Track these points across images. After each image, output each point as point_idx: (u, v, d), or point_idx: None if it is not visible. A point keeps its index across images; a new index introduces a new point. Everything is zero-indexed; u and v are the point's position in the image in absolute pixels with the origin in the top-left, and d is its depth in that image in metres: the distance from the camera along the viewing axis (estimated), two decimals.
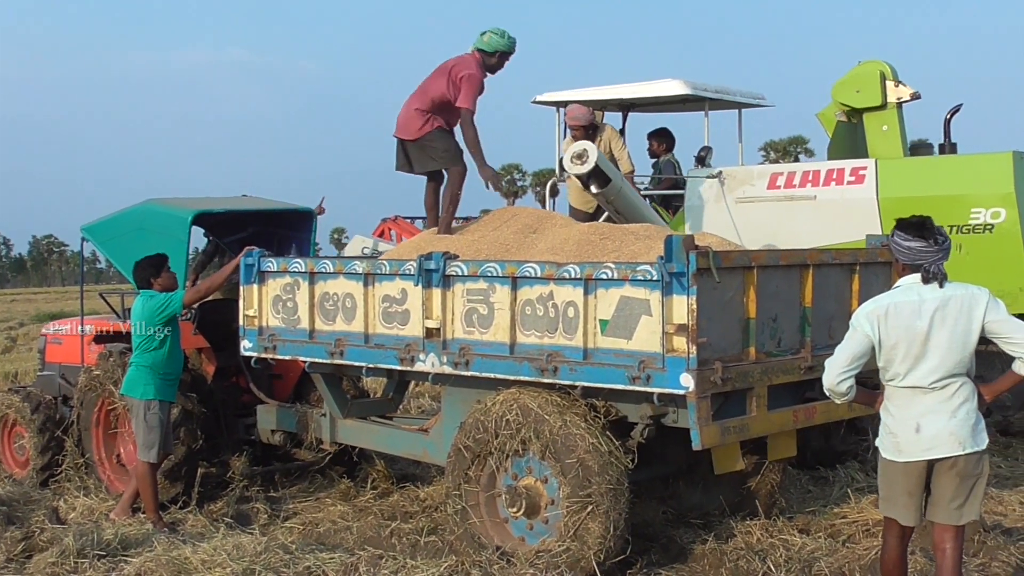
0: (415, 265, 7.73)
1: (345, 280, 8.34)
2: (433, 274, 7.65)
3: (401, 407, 10.41)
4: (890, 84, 10.78)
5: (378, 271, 8.13)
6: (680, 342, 6.51)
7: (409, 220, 15.12)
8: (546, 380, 7.13)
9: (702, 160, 11.61)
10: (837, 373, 5.56)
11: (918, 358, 5.48)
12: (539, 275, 7.17)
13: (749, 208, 10.59)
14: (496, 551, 7.15)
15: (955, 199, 10.15)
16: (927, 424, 5.49)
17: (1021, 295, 9.93)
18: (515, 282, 7.28)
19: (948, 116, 11.04)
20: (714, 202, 10.83)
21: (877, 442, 5.72)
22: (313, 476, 10.45)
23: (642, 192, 11.64)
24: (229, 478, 9.98)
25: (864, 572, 7.02)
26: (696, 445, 6.61)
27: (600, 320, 6.92)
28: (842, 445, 9.70)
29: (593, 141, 11.27)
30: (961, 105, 11.09)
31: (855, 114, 11.10)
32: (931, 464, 5.52)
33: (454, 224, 9.60)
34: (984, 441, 5.59)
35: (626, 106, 12.45)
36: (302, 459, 10.61)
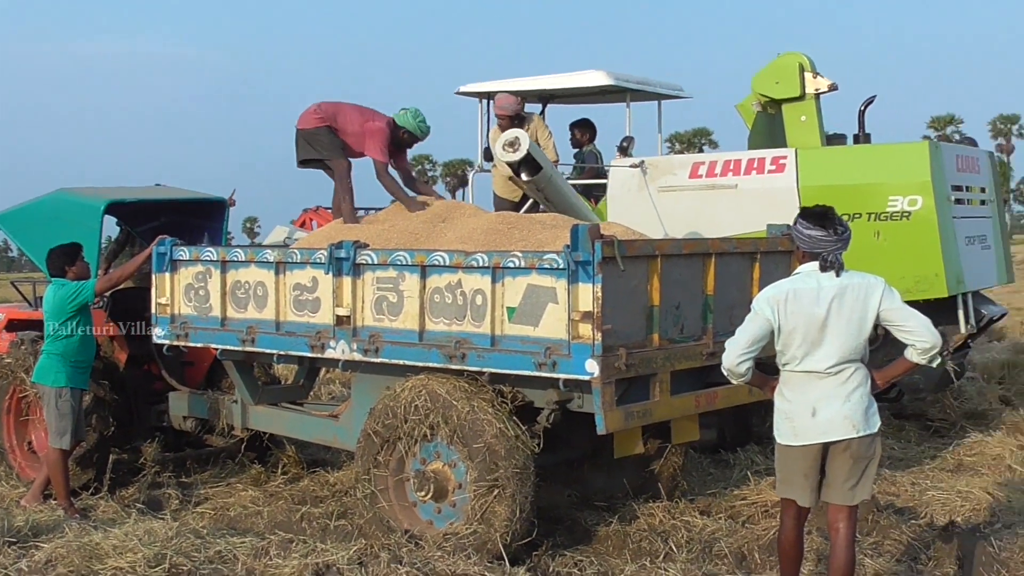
0: (326, 254, 7.72)
1: (257, 268, 8.30)
2: (343, 263, 7.64)
3: (312, 393, 10.37)
4: (808, 76, 10.81)
5: (289, 260, 8.10)
6: (585, 329, 6.57)
7: (331, 210, 15.09)
8: (454, 367, 7.16)
9: (624, 150, 11.61)
10: (736, 355, 5.63)
11: (815, 343, 5.56)
12: (448, 264, 7.19)
13: (672, 197, 10.60)
14: (405, 534, 7.16)
15: (873, 187, 10.26)
16: (823, 408, 5.57)
17: (936, 280, 10.06)
18: (424, 270, 7.30)
19: (862, 107, 11.16)
20: (637, 191, 10.85)
21: (775, 426, 5.79)
22: (224, 462, 10.37)
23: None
24: (141, 464, 9.88)
25: (762, 551, 7.11)
26: (601, 429, 6.67)
27: (507, 308, 6.96)
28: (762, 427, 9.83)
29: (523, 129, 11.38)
30: (875, 97, 11.22)
31: (773, 105, 11.14)
32: (826, 447, 5.61)
33: (370, 214, 9.65)
34: (876, 424, 5.68)
35: (545, 97, 12.41)
36: (213, 445, 10.54)
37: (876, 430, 5.68)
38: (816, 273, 5.64)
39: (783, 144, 10.97)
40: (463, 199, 12.41)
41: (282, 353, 8.36)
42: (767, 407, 6.04)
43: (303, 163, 9.74)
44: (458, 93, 12.26)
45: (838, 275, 5.62)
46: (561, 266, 6.65)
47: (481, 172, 12.27)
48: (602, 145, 12.51)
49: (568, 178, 11.79)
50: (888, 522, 7.61)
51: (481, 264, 7.02)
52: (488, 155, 11.87)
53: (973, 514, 7.97)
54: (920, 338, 5.55)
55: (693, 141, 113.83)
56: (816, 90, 10.81)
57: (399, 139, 9.68)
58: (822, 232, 5.63)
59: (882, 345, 10.21)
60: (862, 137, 11.04)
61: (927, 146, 10.29)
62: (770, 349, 5.78)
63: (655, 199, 10.46)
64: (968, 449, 9.92)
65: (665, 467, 8.47)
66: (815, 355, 5.58)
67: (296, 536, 7.36)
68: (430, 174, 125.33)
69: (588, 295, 6.56)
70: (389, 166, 9.51)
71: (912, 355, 5.62)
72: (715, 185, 10.46)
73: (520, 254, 6.94)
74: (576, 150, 12.48)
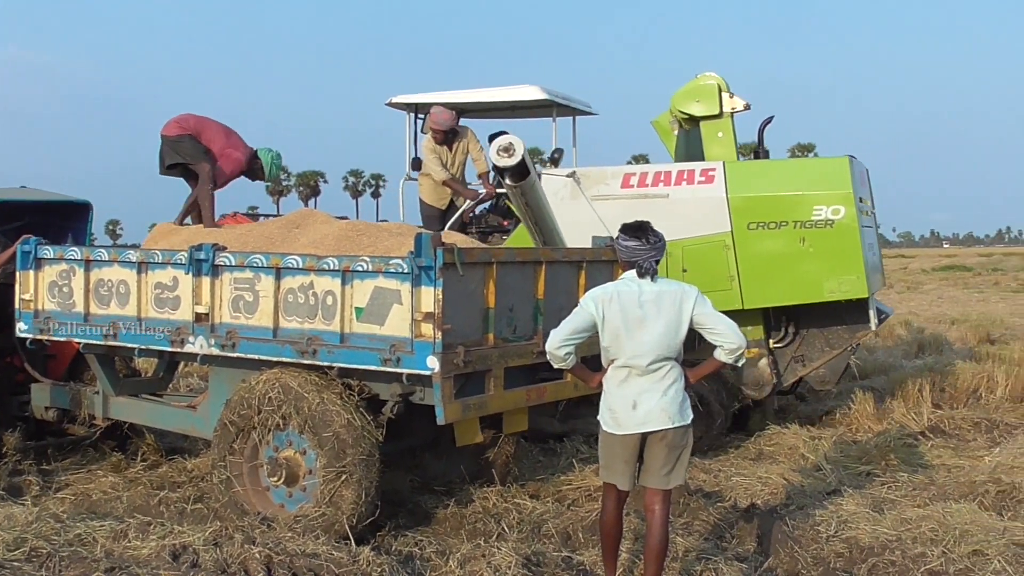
0: (186, 255, 7.64)
1: (120, 268, 8.16)
2: (203, 264, 7.58)
3: (171, 386, 10.22)
4: (725, 96, 10.86)
5: (151, 260, 7.98)
6: (427, 328, 6.64)
7: (249, 216, 14.72)
8: (306, 361, 7.16)
9: (556, 161, 11.57)
10: (559, 340, 5.72)
11: (636, 342, 5.68)
12: (301, 266, 7.19)
13: (604, 205, 10.47)
14: (258, 517, 7.12)
15: (799, 198, 10.28)
16: (642, 401, 5.69)
17: (858, 282, 10.22)
18: (279, 272, 7.28)
19: (762, 126, 11.31)
20: (570, 200, 10.70)
21: (599, 417, 5.90)
22: (85, 450, 10.11)
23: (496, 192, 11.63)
24: (2, 453, 9.58)
25: (586, 531, 7.23)
26: (440, 420, 6.75)
27: (356, 308, 6.98)
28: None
29: (452, 144, 11.27)
30: (773, 117, 11.36)
31: (690, 122, 11.15)
32: (645, 436, 5.73)
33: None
34: (689, 416, 5.82)
35: (459, 110, 11.99)
36: (75, 434, 10.27)
37: (689, 422, 5.82)
38: (637, 279, 5.78)
39: (699, 158, 11.04)
40: (315, 207, 12.17)
41: (143, 347, 8.21)
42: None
43: (169, 169, 9.59)
44: (389, 104, 11.95)
45: (653, 280, 5.76)
46: (406, 270, 6.71)
47: (409, 180, 11.97)
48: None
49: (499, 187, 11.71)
50: (697, 504, 7.82)
51: (332, 267, 7.04)
52: (416, 164, 11.71)
53: (771, 497, 8.24)
54: (728, 340, 5.71)
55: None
56: (732, 109, 10.88)
57: (253, 170, 9.69)
58: (638, 242, 5.76)
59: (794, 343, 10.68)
60: (762, 153, 11.19)
61: (847, 161, 10.41)
62: (596, 348, 5.91)
63: (587, 208, 10.35)
64: (768, 440, 10.21)
65: (499, 455, 8.58)
66: (636, 353, 5.69)
67: (154, 519, 7.23)
68: (284, 183, 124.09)
69: (430, 297, 6.63)
70: (214, 190, 9.49)
71: (721, 355, 5.77)
72: (647, 195, 10.38)
73: (368, 259, 6.98)
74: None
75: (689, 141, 11.38)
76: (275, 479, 7.29)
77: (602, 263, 8.26)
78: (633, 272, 5.81)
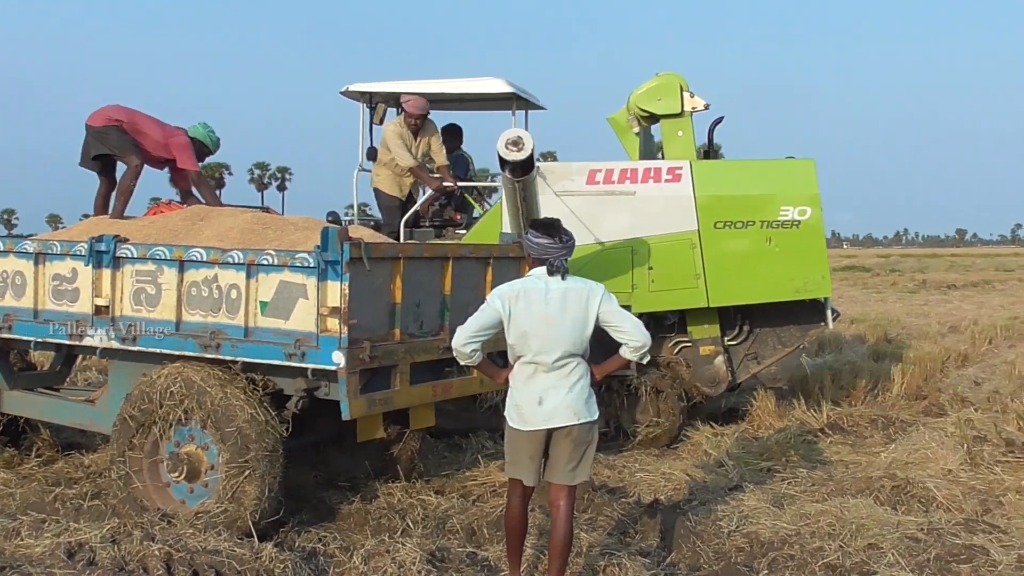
0: (86, 247, 7.51)
1: (15, 259, 8.00)
2: (104, 255, 7.46)
3: (68, 379, 10.01)
4: (686, 95, 10.85)
5: (49, 251, 7.84)
6: (333, 323, 6.61)
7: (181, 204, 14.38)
8: (209, 355, 7.08)
9: None
10: (465, 337, 5.72)
11: (542, 339, 5.69)
12: (205, 259, 7.11)
13: (570, 201, 10.37)
14: (158, 513, 7.03)
15: (766, 198, 10.40)
16: (548, 398, 5.71)
17: (823, 282, 10.41)
18: (182, 265, 7.19)
19: (712, 127, 11.33)
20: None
21: (505, 413, 5.90)
22: None
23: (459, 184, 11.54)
24: None
25: (490, 527, 7.25)
26: (346, 415, 6.73)
27: (261, 302, 6.93)
28: None
29: (418, 134, 11.09)
30: (723, 117, 11.40)
31: (649, 120, 11.15)
32: (550, 432, 5.75)
33: None
34: (595, 413, 5.85)
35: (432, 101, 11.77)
36: None
37: (595, 418, 5.85)
38: (545, 276, 5.79)
39: (653, 156, 11.13)
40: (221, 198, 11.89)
41: (40, 340, 8.07)
42: None
43: (94, 159, 9.40)
44: (343, 93, 11.66)
45: (563, 279, 5.78)
46: (312, 265, 6.68)
47: (362, 171, 11.71)
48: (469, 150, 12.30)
49: (461, 181, 11.58)
50: (602, 500, 7.89)
51: (237, 261, 6.98)
52: (372, 155, 11.53)
53: (674, 493, 8.34)
54: (633, 338, 5.77)
55: None
56: (693, 108, 10.88)
57: (199, 151, 9.58)
58: (549, 240, 5.80)
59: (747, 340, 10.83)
60: (712, 153, 11.25)
61: (814, 163, 10.54)
62: (502, 344, 5.94)
63: (552, 203, 10.17)
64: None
65: (404, 450, 8.57)
66: (542, 350, 5.71)
67: (49, 516, 7.12)
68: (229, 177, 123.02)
69: (336, 292, 6.60)
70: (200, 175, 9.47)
71: (626, 352, 5.83)
72: (613, 191, 10.36)
73: (274, 252, 6.93)
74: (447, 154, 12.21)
75: (647, 139, 11.46)
76: (176, 475, 7.19)
77: (509, 260, 8.30)
78: (542, 269, 5.83)
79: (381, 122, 11.58)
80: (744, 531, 7.23)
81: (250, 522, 6.80)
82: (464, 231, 11.17)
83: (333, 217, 11.92)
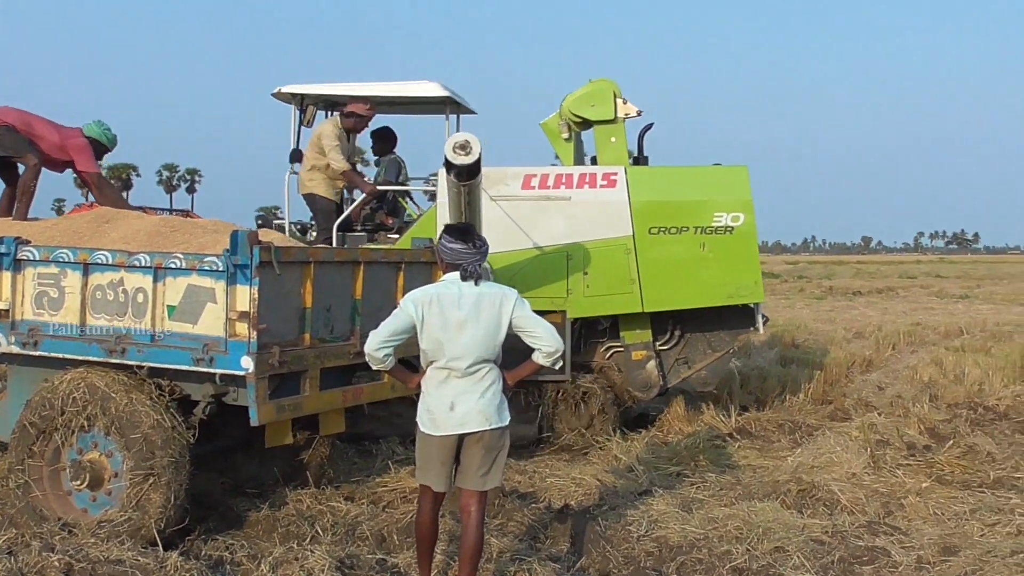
0: None
1: None
2: (3, 257, 7.29)
3: None
4: (619, 101, 10.88)
5: None
6: (242, 328, 6.55)
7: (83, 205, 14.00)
8: (114, 360, 6.95)
9: None
10: (377, 342, 5.70)
11: (455, 344, 5.69)
12: (110, 262, 6.99)
13: (506, 205, 10.35)
14: (58, 523, 6.89)
15: (700, 204, 10.51)
16: (460, 403, 5.71)
17: (756, 287, 10.57)
18: (87, 268, 7.06)
19: (641, 133, 11.35)
20: None
21: (417, 418, 5.89)
22: None
23: (390, 188, 11.46)
24: None
25: (400, 533, 7.22)
26: (254, 421, 6.66)
27: (168, 306, 6.83)
28: None
29: (350, 137, 11.02)
30: (652, 124, 11.41)
31: (581, 126, 11.17)
32: (462, 438, 5.75)
33: None
34: (507, 418, 5.87)
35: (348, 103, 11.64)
36: None
37: (506, 424, 5.87)
38: (458, 282, 5.79)
39: (581, 161, 11.12)
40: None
41: None
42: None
43: None
44: (275, 95, 11.43)
45: (477, 284, 5.79)
46: (221, 268, 6.60)
47: (295, 174, 11.44)
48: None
49: (381, 184, 11.44)
50: (512, 506, 7.90)
51: (143, 264, 6.87)
52: (296, 157, 11.33)
53: (585, 498, 8.38)
54: (546, 343, 5.76)
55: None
56: (626, 115, 10.92)
57: (97, 149, 9.42)
58: (463, 245, 5.79)
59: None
60: (641, 159, 11.22)
61: (746, 170, 10.66)
62: (414, 349, 5.92)
63: (488, 207, 10.07)
64: (584, 441, 10.39)
65: (313, 456, 8.51)
66: (455, 355, 5.71)
67: None
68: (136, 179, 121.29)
69: (245, 296, 6.54)
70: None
71: (539, 358, 5.82)
72: (549, 196, 10.35)
73: (182, 256, 6.83)
74: (377, 157, 12.06)
75: (578, 145, 11.46)
76: (78, 483, 7.04)
77: (421, 264, 8.28)
78: (455, 274, 5.83)
79: (310, 125, 11.43)
80: (653, 535, 7.30)
81: (155, 531, 6.69)
82: (396, 235, 11.11)
83: (263, 220, 11.79)
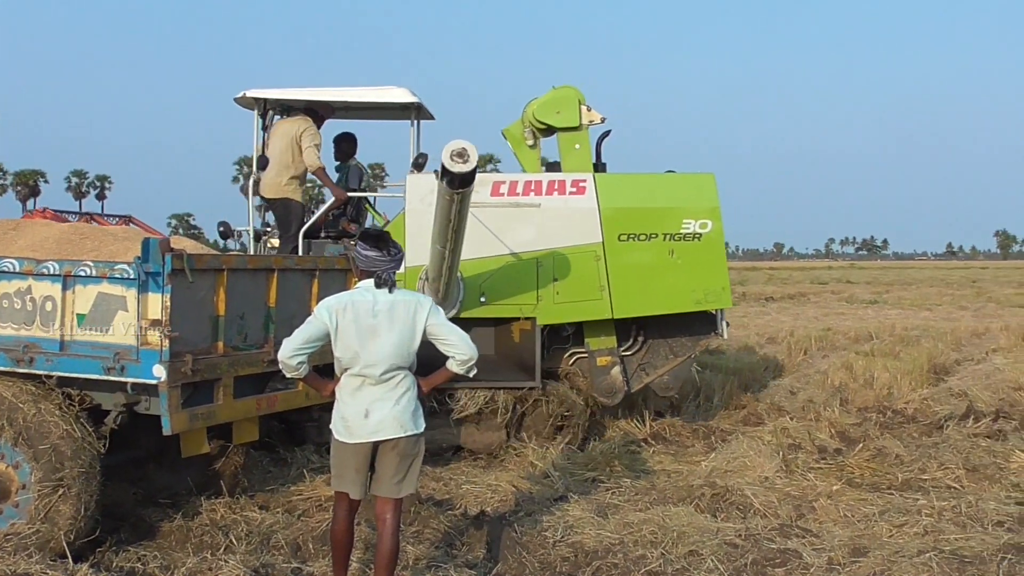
0: None
1: None
2: None
3: None
4: (584, 108, 10.89)
5: None
6: (154, 336, 6.49)
7: (59, 212, 13.62)
8: (22, 370, 6.83)
9: (420, 166, 11.11)
10: (291, 349, 5.69)
11: (369, 352, 5.71)
12: (17, 270, 6.87)
13: (475, 212, 10.03)
14: None
15: (669, 211, 10.55)
16: (375, 410, 5.72)
17: (724, 293, 10.62)
18: None
19: (599, 140, 11.32)
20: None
21: (331, 426, 5.89)
22: None
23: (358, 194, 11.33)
24: None
25: (316, 542, 7.20)
26: (167, 430, 6.59)
27: (78, 314, 6.74)
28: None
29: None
30: (610, 131, 11.39)
31: (544, 133, 11.15)
32: (376, 445, 5.76)
33: None
34: (422, 425, 5.89)
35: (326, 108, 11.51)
36: None
37: (421, 430, 5.89)
38: (372, 289, 5.80)
39: (551, 167, 11.12)
40: (34, 207, 11.38)
41: None
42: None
43: None
44: (238, 99, 11.16)
45: (391, 291, 5.80)
46: (132, 276, 6.53)
47: (260, 175, 11.08)
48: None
49: (350, 190, 11.28)
50: (428, 513, 7.90)
51: (52, 272, 6.76)
52: (264, 163, 11.04)
53: (500, 504, 8.42)
54: (460, 351, 5.83)
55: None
56: (590, 121, 10.93)
57: None
58: (378, 253, 5.79)
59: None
60: (600, 166, 11.19)
61: (713, 177, 10.75)
62: (329, 356, 5.92)
63: None
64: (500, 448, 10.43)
65: (227, 465, 8.46)
66: (369, 362, 5.72)
67: None
68: (0, 183, 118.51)
69: (157, 304, 6.48)
70: None
71: (453, 365, 5.89)
72: (519, 203, 10.29)
73: (92, 263, 6.74)
74: (338, 163, 11.85)
75: (539, 152, 11.45)
76: None
77: (335, 272, 8.26)
78: (370, 282, 5.83)
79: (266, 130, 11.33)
80: (569, 541, 7.35)
81: (64, 543, 6.59)
82: (350, 242, 11.01)
83: (225, 229, 11.68)
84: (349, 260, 7.14)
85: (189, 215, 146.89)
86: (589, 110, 10.95)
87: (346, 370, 5.81)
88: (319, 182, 11.32)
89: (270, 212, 11.47)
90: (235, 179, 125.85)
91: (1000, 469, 9.48)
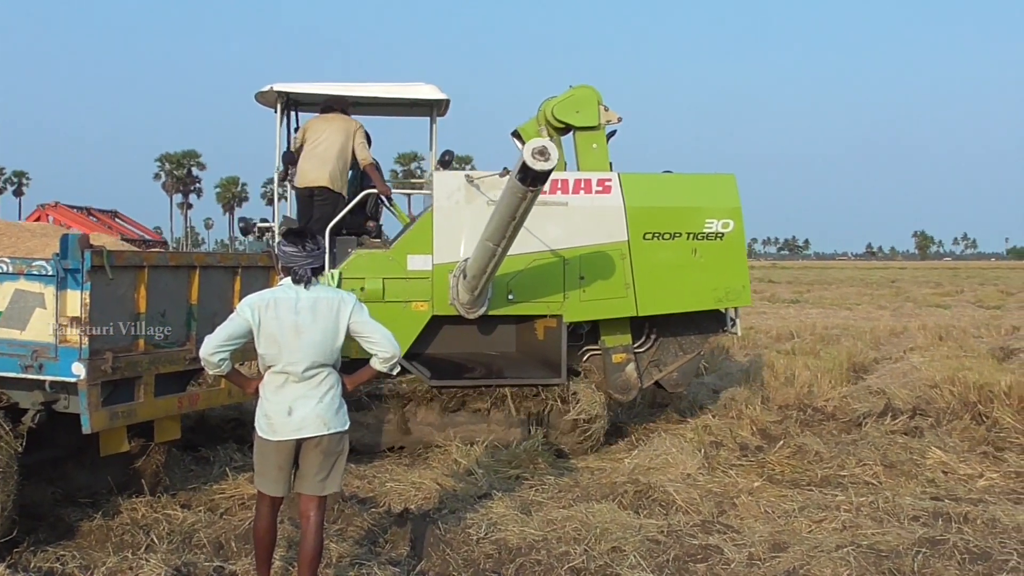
0: None
1: None
2: None
3: None
4: (601, 108, 11.02)
5: None
6: (73, 334, 6.43)
7: (71, 207, 13.37)
8: None
9: (446, 164, 11.13)
10: (212, 346, 5.67)
11: (292, 349, 5.70)
12: None
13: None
14: None
15: (693, 210, 10.73)
16: (298, 408, 5.71)
17: (744, 292, 10.84)
18: None
19: (606, 140, 11.35)
20: (465, 204, 10.41)
21: (255, 423, 5.87)
22: None
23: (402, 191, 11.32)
24: None
25: (238, 540, 7.18)
26: (86, 429, 6.54)
27: None
28: None
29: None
30: (616, 131, 11.44)
31: (561, 132, 11.21)
32: (300, 442, 5.76)
33: None
34: (346, 423, 5.90)
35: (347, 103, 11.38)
36: None
37: (345, 428, 5.89)
38: (295, 286, 5.80)
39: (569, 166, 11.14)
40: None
41: None
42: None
43: None
44: (263, 92, 10.98)
45: (307, 288, 5.79)
46: (50, 273, 6.46)
47: (292, 167, 10.99)
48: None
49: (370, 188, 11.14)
50: (352, 511, 7.91)
51: None
52: (290, 157, 10.97)
53: (424, 502, 8.43)
54: (383, 348, 5.83)
55: (182, 162, 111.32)
56: (607, 121, 11.06)
57: None
58: (295, 249, 5.79)
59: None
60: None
61: (734, 178, 10.96)
62: (252, 354, 5.89)
63: (485, 211, 10.03)
64: (423, 446, 10.44)
65: (148, 464, 8.38)
66: (292, 359, 5.71)
67: None
68: None
69: (76, 301, 6.42)
70: None
71: (376, 363, 5.91)
72: (546, 202, 10.20)
73: (8, 260, 6.65)
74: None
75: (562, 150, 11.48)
76: None
77: (258, 269, 8.23)
78: (290, 279, 5.84)
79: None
80: (493, 538, 7.39)
81: None
82: (376, 239, 11.08)
83: (245, 224, 11.59)
84: (272, 257, 7.12)
85: (112, 210, 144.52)
86: (606, 110, 11.14)
87: (269, 367, 5.80)
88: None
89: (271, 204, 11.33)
90: (156, 175, 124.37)
91: (916, 465, 9.68)
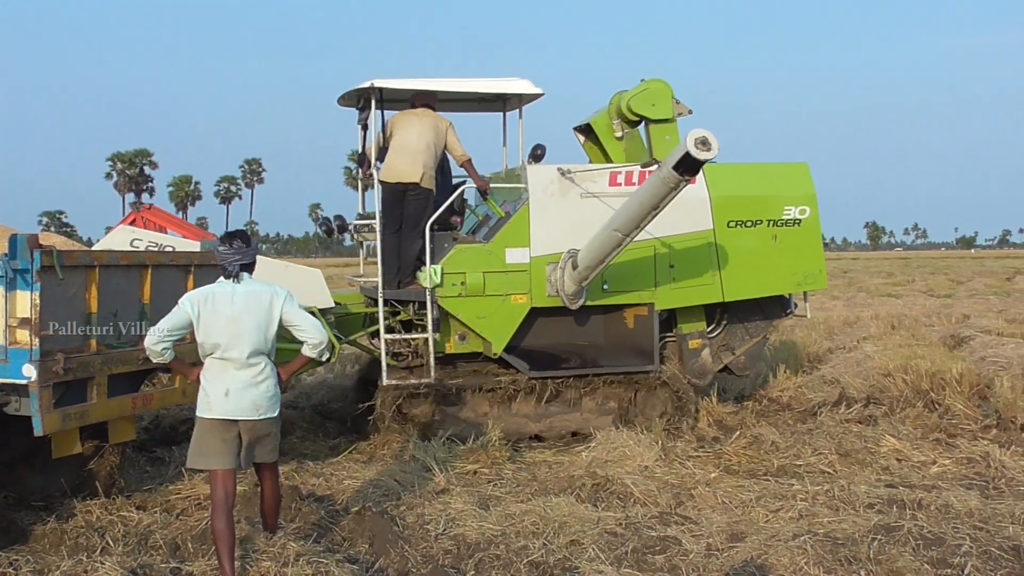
0: None
1: None
2: None
3: None
4: (674, 101, 11.29)
5: None
6: (23, 335, 6.39)
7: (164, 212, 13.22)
8: None
9: (538, 158, 11.20)
10: (156, 337, 6.10)
11: (229, 338, 6.16)
12: None
13: (594, 203, 10.53)
14: None
15: (772, 198, 11.27)
16: (233, 391, 6.19)
17: (820, 276, 11.41)
18: None
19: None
20: (560, 196, 10.63)
21: (197, 406, 6.28)
22: None
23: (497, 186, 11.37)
24: None
25: (195, 541, 7.12)
26: (39, 431, 6.50)
27: None
28: None
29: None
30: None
31: (634, 124, 11.52)
32: (236, 423, 6.21)
33: None
34: (277, 409, 6.42)
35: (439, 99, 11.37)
36: None
37: (276, 414, 6.40)
38: (230, 282, 6.27)
39: (638, 158, 11.23)
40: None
41: None
42: None
43: None
44: (365, 87, 10.68)
45: (237, 282, 6.26)
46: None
47: (378, 164, 10.85)
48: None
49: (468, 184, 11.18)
50: (309, 509, 7.88)
51: None
52: (364, 159, 11.05)
53: (382, 498, 8.42)
54: (311, 336, 6.33)
55: (135, 160, 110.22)
56: (679, 114, 11.35)
57: None
58: (225, 247, 6.29)
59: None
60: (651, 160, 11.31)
61: (808, 166, 11.42)
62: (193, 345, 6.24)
63: (578, 204, 10.51)
64: (379, 443, 10.39)
65: (103, 466, 8.29)
66: (230, 348, 6.17)
67: None
68: None
69: (26, 302, 6.38)
70: None
71: (306, 350, 6.41)
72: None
73: None
74: None
75: (633, 142, 11.76)
76: None
77: (211, 267, 8.14)
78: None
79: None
80: (451, 534, 7.41)
81: None
82: (460, 234, 11.19)
83: (326, 225, 11.60)
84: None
85: (61, 212, 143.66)
86: (678, 103, 11.42)
87: (209, 355, 6.24)
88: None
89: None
90: (108, 175, 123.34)
91: (871, 453, 9.77)
